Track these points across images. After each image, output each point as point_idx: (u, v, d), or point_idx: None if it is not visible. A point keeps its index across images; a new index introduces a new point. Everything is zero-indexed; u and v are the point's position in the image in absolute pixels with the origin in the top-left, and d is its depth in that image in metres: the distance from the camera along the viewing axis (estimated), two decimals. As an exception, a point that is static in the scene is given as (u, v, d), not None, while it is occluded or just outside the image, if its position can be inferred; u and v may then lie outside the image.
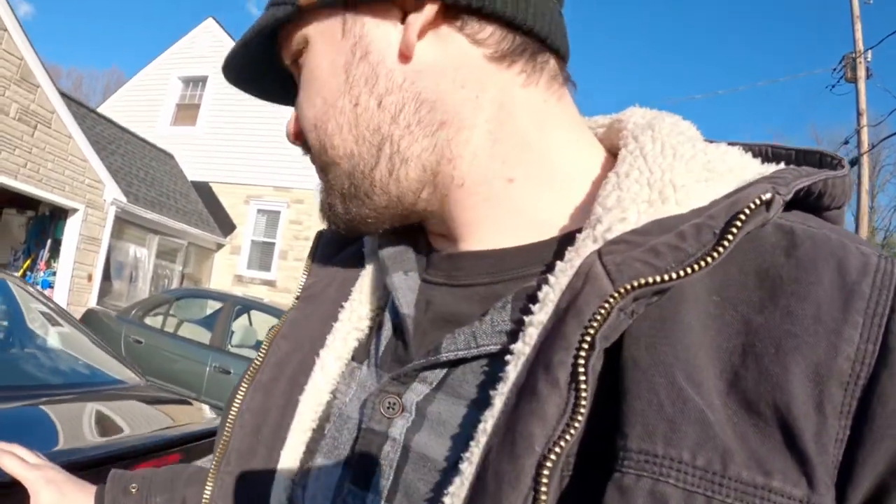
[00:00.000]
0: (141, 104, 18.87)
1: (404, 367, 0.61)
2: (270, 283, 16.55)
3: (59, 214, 12.38)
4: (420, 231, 0.73)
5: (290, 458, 0.67)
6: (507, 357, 0.51)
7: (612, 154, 0.64)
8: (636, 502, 0.42)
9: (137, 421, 3.39)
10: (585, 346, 0.46)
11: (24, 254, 12.79)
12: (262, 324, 9.04)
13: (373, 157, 0.63)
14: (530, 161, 0.62)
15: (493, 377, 0.53)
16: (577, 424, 0.44)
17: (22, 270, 12.42)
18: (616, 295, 0.46)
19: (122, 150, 14.77)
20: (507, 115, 0.62)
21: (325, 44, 0.64)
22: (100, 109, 17.43)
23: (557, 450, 0.44)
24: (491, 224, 0.63)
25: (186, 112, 18.55)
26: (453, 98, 0.61)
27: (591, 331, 0.46)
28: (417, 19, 0.59)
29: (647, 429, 0.44)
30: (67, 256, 12.20)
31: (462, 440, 0.53)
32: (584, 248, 0.52)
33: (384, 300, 0.72)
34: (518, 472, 0.45)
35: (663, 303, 0.49)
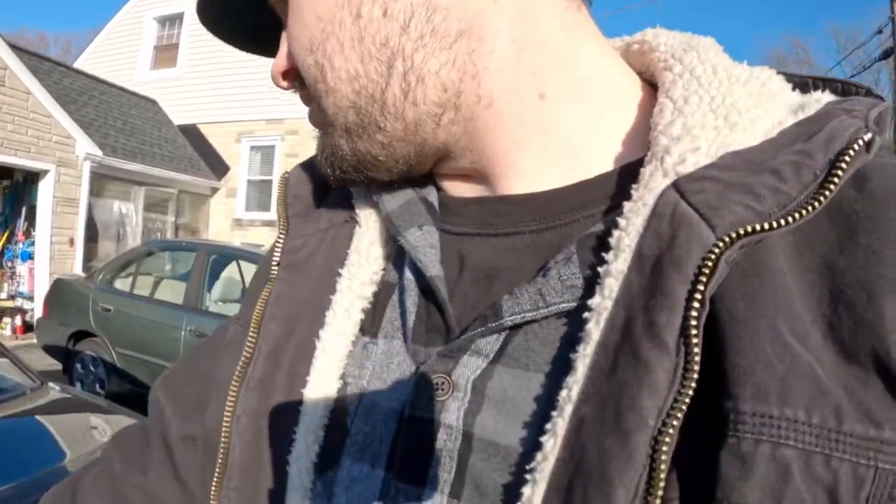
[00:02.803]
0: (118, 53, 18.15)
1: (457, 339, 0.54)
2: (272, 224, 15.94)
3: (31, 179, 11.88)
4: (424, 179, 0.65)
5: (303, 466, 0.60)
6: (586, 315, 0.47)
7: (643, 77, 0.61)
8: (758, 469, 0.40)
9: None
10: (696, 304, 0.42)
11: (1, 226, 12.13)
12: (247, 273, 8.17)
13: (382, 77, 0.56)
14: (562, 74, 0.56)
15: (570, 340, 0.48)
16: (690, 391, 0.41)
17: (0, 245, 11.96)
18: (721, 244, 0.42)
19: (95, 101, 14.16)
20: (531, 18, 0.55)
21: None
22: (76, 65, 16.87)
23: (675, 422, 0.41)
24: (527, 154, 0.57)
25: (165, 54, 17.77)
26: (469, 2, 0.54)
27: (701, 286, 0.42)
28: None
29: (759, 388, 0.41)
30: (44, 222, 11.71)
31: (539, 417, 0.48)
32: (655, 183, 0.48)
33: (391, 257, 0.65)
34: (630, 449, 0.41)
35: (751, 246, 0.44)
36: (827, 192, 0.44)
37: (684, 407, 0.41)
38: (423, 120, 0.56)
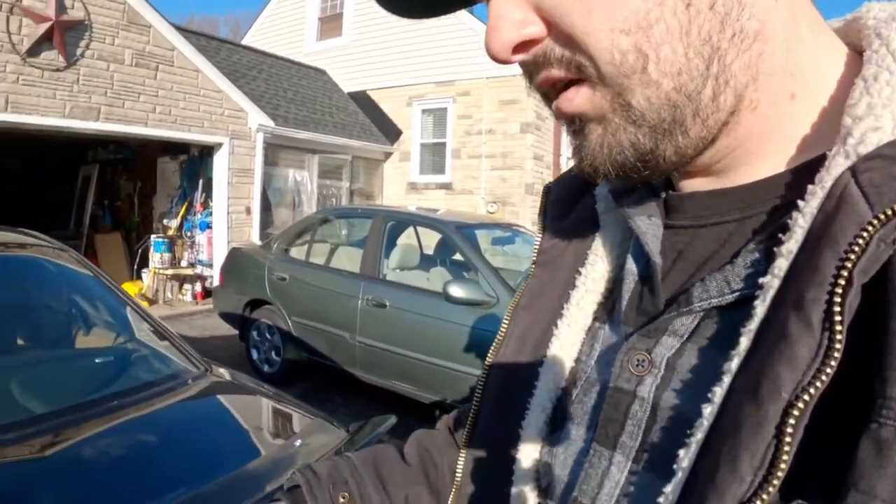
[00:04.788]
0: (283, 28, 18.25)
1: (654, 322, 0.58)
2: (446, 187, 15.37)
3: (206, 152, 11.99)
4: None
5: (533, 429, 0.67)
6: (757, 292, 0.48)
7: (859, 54, 0.56)
8: (894, 460, 0.38)
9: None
10: (842, 281, 0.41)
11: (181, 198, 12.62)
12: (424, 239, 7.54)
13: (701, 76, 0.50)
14: (809, 72, 0.53)
15: (746, 319, 0.48)
16: (829, 370, 0.40)
17: (180, 216, 12.36)
18: (875, 222, 0.41)
19: (264, 74, 14.22)
20: (794, 17, 0.52)
21: None
22: (243, 43, 17.11)
23: (806, 397, 0.40)
24: (765, 150, 0.55)
25: (330, 24, 17.49)
26: (763, 1, 0.50)
27: (849, 264, 0.41)
28: None
29: None
30: (220, 193, 11.86)
31: (708, 388, 0.49)
32: (836, 166, 0.47)
33: (623, 257, 0.68)
34: (761, 418, 0.42)
35: None
36: None
37: (819, 384, 0.40)
38: (713, 129, 0.52)
